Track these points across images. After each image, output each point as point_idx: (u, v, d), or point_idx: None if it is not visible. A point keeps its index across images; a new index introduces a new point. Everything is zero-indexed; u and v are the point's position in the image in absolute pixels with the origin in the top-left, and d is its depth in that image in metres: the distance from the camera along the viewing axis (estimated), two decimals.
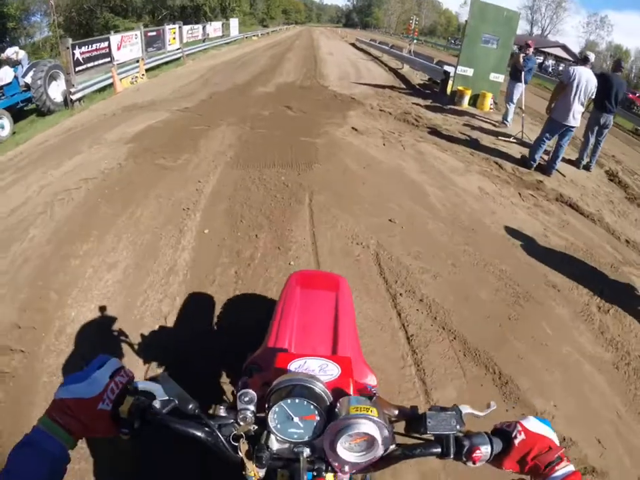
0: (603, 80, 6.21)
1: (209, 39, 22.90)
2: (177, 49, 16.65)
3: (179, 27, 17.57)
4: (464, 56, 10.33)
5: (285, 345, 1.27)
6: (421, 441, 0.79)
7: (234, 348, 1.89)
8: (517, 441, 0.75)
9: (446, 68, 11.81)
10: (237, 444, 0.77)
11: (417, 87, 13.18)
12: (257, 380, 0.92)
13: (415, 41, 18.44)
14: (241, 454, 0.76)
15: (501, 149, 7.27)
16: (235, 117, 7.66)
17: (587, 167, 6.94)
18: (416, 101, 10.64)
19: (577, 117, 5.93)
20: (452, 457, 0.75)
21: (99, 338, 2.63)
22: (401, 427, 0.86)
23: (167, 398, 0.77)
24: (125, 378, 0.79)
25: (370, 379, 1.22)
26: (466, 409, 0.80)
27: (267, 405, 0.75)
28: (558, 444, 0.76)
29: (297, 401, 0.74)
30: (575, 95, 5.78)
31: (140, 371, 2.36)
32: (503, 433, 0.78)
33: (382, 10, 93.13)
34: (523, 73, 8.27)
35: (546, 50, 42.73)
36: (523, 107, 8.29)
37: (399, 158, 6.28)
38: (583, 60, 6.24)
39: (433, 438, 0.78)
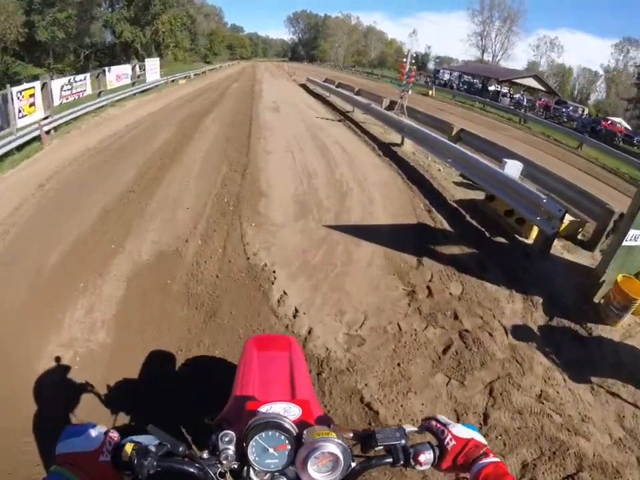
0: None
1: (107, 91, 15.49)
2: (43, 119, 9.26)
3: (43, 84, 9.85)
4: None
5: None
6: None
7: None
8: (449, 446, 0.93)
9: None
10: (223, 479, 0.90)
11: (454, 204, 6.25)
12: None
13: (411, 90, 11.50)
14: None
15: None
16: None
17: None
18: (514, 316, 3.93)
19: None
20: (402, 462, 0.92)
21: None
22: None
23: (160, 443, 0.87)
24: (116, 434, 0.89)
25: (324, 416, 1.29)
26: (409, 428, 0.97)
27: (244, 443, 0.87)
28: (484, 443, 0.95)
29: (269, 433, 0.87)
30: None
31: None
32: (437, 440, 0.96)
33: (328, 42, 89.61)
34: None
35: (517, 81, 38.40)
36: None
37: None
38: None
39: (384, 452, 0.94)
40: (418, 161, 8.67)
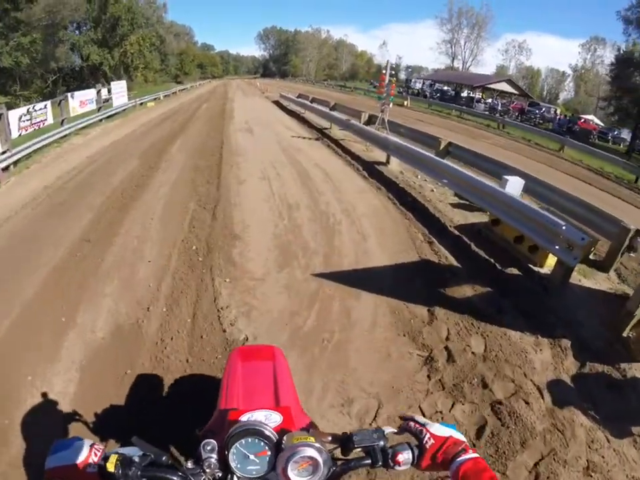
0: None
1: (70, 118, 14.41)
2: (0, 154, 8.29)
3: None
4: None
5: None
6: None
7: None
8: (427, 445, 0.95)
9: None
10: None
11: (455, 231, 5.62)
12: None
13: (392, 103, 10.86)
14: None
15: None
16: None
17: None
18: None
19: None
20: (380, 463, 0.93)
21: None
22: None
23: (144, 453, 0.88)
24: (101, 446, 0.92)
25: (308, 423, 1.28)
26: (388, 429, 0.98)
27: (226, 451, 0.89)
28: (463, 440, 0.96)
29: (249, 440, 0.89)
30: None
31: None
32: (417, 440, 0.97)
33: (300, 57, 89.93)
34: None
35: (492, 86, 38.68)
36: None
37: None
38: None
39: (364, 454, 0.95)
40: (407, 181, 7.94)
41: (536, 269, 4.98)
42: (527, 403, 2.94)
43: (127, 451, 0.88)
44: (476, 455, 0.91)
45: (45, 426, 2.60)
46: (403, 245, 5.23)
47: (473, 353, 3.51)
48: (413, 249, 5.12)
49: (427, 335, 3.67)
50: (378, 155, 10.20)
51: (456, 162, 8.00)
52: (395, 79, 11.32)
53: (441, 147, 8.65)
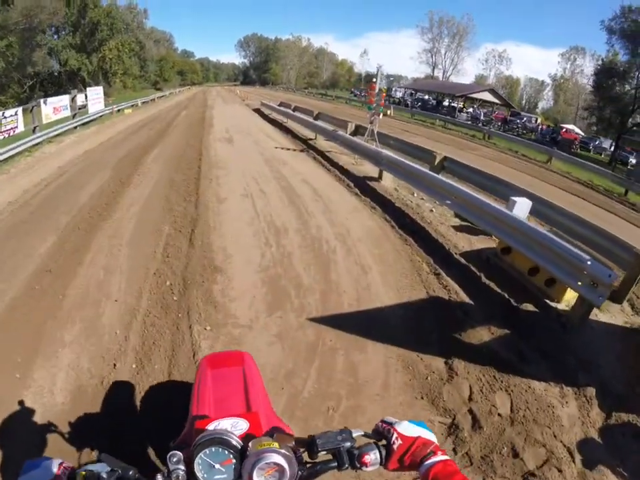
0: None
1: (43, 126, 13.42)
2: None
3: None
4: None
5: None
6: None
7: None
8: (395, 446, 0.91)
9: None
10: None
11: (462, 259, 5.14)
12: (185, 454, 0.96)
13: (381, 114, 10.36)
14: None
15: None
16: None
17: None
18: None
19: None
20: (347, 466, 0.90)
21: None
22: None
23: (112, 469, 0.86)
24: (70, 464, 0.91)
25: (280, 426, 1.29)
26: (357, 432, 0.95)
27: (192, 461, 0.87)
28: (434, 440, 0.94)
29: (213, 449, 0.87)
30: None
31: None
32: (385, 440, 0.94)
33: (280, 65, 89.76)
34: None
35: (474, 96, 38.94)
36: None
37: None
38: None
39: (331, 456, 0.92)
40: (404, 199, 7.38)
41: (553, 304, 4.51)
42: (559, 470, 2.59)
43: (95, 467, 0.86)
44: (445, 457, 0.88)
45: None
46: (407, 277, 4.65)
47: (499, 414, 3.06)
48: (419, 283, 4.54)
49: (448, 396, 3.13)
50: (369, 169, 9.66)
51: (450, 177, 7.54)
52: (385, 88, 10.83)
53: (436, 161, 8.17)
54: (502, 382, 3.30)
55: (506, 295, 4.50)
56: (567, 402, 3.14)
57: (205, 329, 3.58)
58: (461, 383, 3.24)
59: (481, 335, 3.83)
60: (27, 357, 3.16)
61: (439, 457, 0.87)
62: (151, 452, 2.40)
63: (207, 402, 1.43)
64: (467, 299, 4.34)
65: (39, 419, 2.62)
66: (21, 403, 2.71)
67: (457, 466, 0.87)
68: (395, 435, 0.92)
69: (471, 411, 3.01)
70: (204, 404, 1.42)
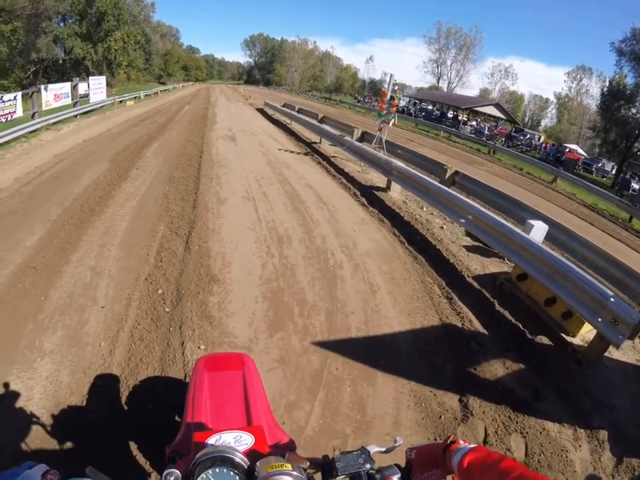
0: None
1: (42, 112, 13.26)
2: None
3: None
4: None
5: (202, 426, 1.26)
6: None
7: None
8: (411, 456, 0.93)
9: None
10: None
11: (475, 282, 4.94)
12: (180, 465, 0.91)
13: (391, 122, 10.07)
14: None
15: None
16: None
17: None
18: None
19: None
20: None
21: None
22: None
23: None
24: (55, 476, 0.83)
25: (284, 439, 1.24)
26: (373, 448, 0.91)
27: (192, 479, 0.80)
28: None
29: (217, 470, 0.80)
30: None
31: None
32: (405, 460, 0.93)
33: (285, 66, 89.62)
34: None
35: (479, 109, 38.85)
36: None
37: None
38: None
39: None
40: (413, 213, 7.08)
41: (568, 338, 4.22)
42: None
43: None
44: (472, 445, 0.84)
45: None
46: (419, 300, 4.34)
47: (514, 459, 2.70)
48: (432, 307, 4.24)
49: (462, 439, 2.77)
50: (375, 178, 9.38)
51: (459, 192, 7.27)
52: (398, 95, 10.55)
53: (447, 175, 7.89)
54: (517, 423, 3.04)
55: (520, 326, 4.22)
56: (579, 445, 2.93)
57: (199, 347, 3.26)
58: (476, 423, 2.96)
59: (496, 369, 3.55)
60: (3, 365, 2.86)
61: (466, 446, 0.83)
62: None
63: (203, 408, 1.33)
64: (481, 328, 4.05)
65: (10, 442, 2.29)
66: None
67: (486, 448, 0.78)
68: (411, 449, 0.94)
69: None
70: (200, 410, 1.32)
